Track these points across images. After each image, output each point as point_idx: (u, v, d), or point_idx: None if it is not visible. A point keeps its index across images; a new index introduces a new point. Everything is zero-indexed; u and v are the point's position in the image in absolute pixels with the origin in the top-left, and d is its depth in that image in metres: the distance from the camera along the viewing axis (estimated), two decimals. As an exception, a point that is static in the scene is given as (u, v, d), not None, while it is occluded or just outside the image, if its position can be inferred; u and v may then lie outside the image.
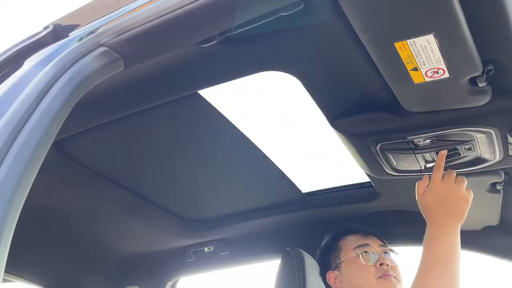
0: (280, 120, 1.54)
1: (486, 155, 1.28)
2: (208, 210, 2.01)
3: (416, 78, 1.00)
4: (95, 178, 1.67)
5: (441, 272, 1.21)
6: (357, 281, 1.50)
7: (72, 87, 0.77)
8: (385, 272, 1.47)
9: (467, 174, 1.32)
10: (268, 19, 0.91)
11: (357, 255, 1.52)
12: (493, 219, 1.67)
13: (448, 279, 1.21)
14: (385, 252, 1.55)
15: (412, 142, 1.27)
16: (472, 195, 1.28)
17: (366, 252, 1.53)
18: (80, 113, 0.86)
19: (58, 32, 1.00)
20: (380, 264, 1.48)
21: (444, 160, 1.28)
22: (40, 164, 0.68)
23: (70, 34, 0.99)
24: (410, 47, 0.91)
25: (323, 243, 1.68)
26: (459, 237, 1.25)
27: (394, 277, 1.46)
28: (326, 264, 1.63)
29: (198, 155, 1.60)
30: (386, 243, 1.60)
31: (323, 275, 1.62)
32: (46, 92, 0.74)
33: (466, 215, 1.26)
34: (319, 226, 1.87)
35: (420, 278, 1.24)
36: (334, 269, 1.58)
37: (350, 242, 1.58)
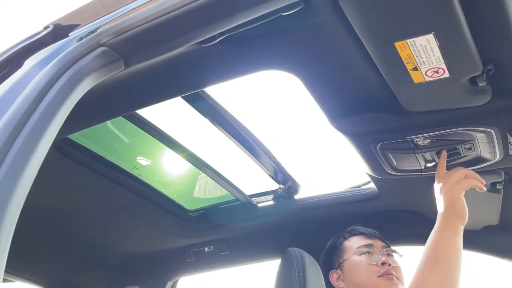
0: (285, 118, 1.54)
1: (486, 155, 1.28)
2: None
3: (416, 78, 1.00)
4: (95, 178, 1.67)
5: (441, 269, 1.22)
6: (358, 279, 1.50)
7: (72, 87, 0.77)
8: (387, 271, 1.46)
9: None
10: (268, 19, 0.91)
11: (360, 254, 1.52)
12: (493, 219, 1.67)
13: (448, 277, 1.21)
14: (388, 254, 1.54)
15: (412, 141, 1.27)
16: (462, 186, 1.27)
17: (369, 252, 1.52)
18: (80, 113, 0.86)
19: (58, 32, 1.00)
20: (382, 263, 1.48)
21: (446, 160, 1.28)
22: (40, 164, 0.67)
23: (70, 34, 0.99)
24: (410, 46, 0.91)
25: (328, 244, 1.68)
26: (461, 238, 1.26)
27: (396, 277, 1.46)
28: (330, 264, 1.63)
29: None
30: (390, 245, 1.59)
31: (326, 275, 1.62)
32: (46, 92, 0.73)
33: (466, 214, 1.27)
34: (319, 226, 1.87)
35: (420, 274, 1.25)
36: (337, 269, 1.58)
37: (354, 243, 1.58)
